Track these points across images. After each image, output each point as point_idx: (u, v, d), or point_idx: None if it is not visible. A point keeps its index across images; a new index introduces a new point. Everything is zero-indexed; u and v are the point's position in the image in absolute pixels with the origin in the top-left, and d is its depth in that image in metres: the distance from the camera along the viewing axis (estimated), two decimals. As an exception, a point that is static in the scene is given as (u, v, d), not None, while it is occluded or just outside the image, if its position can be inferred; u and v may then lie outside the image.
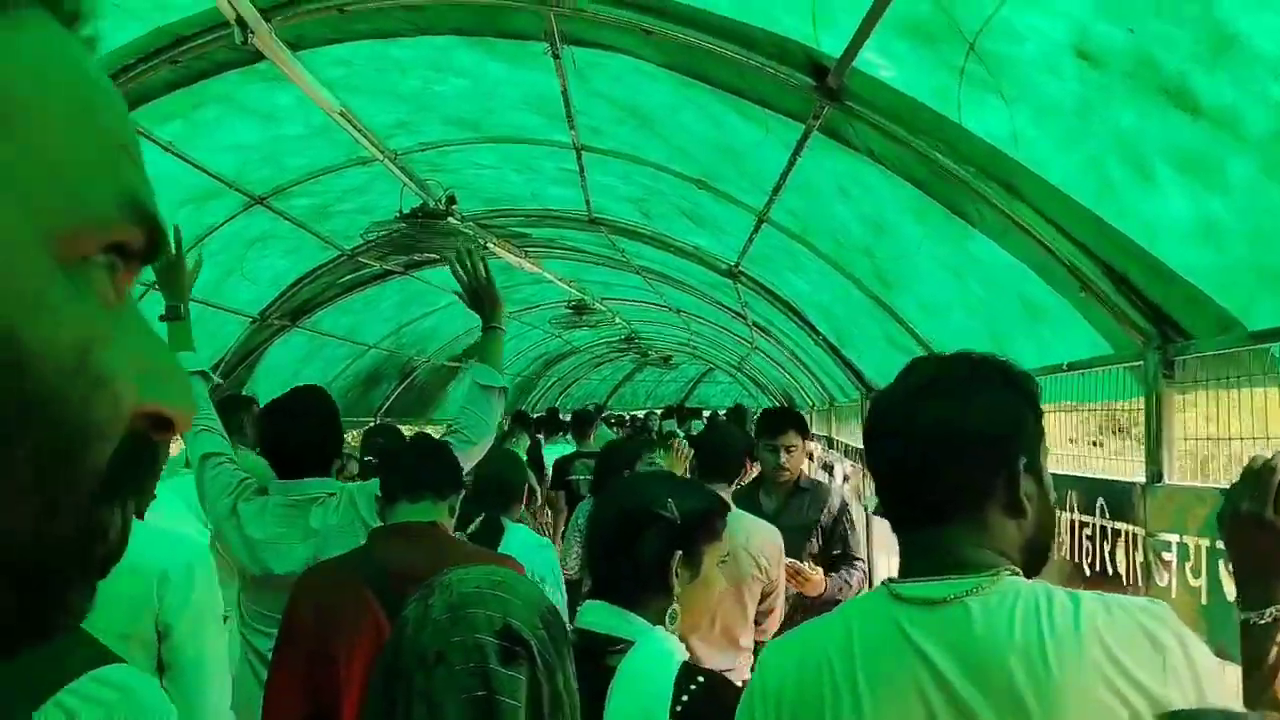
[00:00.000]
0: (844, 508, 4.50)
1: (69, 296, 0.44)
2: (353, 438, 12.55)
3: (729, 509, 2.23)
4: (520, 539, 4.02)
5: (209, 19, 3.91)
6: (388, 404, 11.96)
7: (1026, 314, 3.51)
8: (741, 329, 10.81)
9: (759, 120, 3.66)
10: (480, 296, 3.64)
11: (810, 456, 10.16)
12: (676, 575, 1.97)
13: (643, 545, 1.98)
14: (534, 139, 5.27)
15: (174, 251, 3.80)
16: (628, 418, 21.18)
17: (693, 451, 4.77)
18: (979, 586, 1.44)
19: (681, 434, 16.71)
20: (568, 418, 13.28)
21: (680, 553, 1.98)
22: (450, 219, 6.24)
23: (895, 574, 1.57)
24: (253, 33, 3.75)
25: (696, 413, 19.06)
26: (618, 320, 13.84)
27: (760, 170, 4.19)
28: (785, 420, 4.64)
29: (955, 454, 1.51)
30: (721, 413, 19.83)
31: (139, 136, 0.54)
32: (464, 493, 3.01)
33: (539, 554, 3.93)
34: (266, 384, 8.90)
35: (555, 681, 1.32)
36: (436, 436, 3.44)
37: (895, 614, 1.48)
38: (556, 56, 3.78)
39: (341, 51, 4.29)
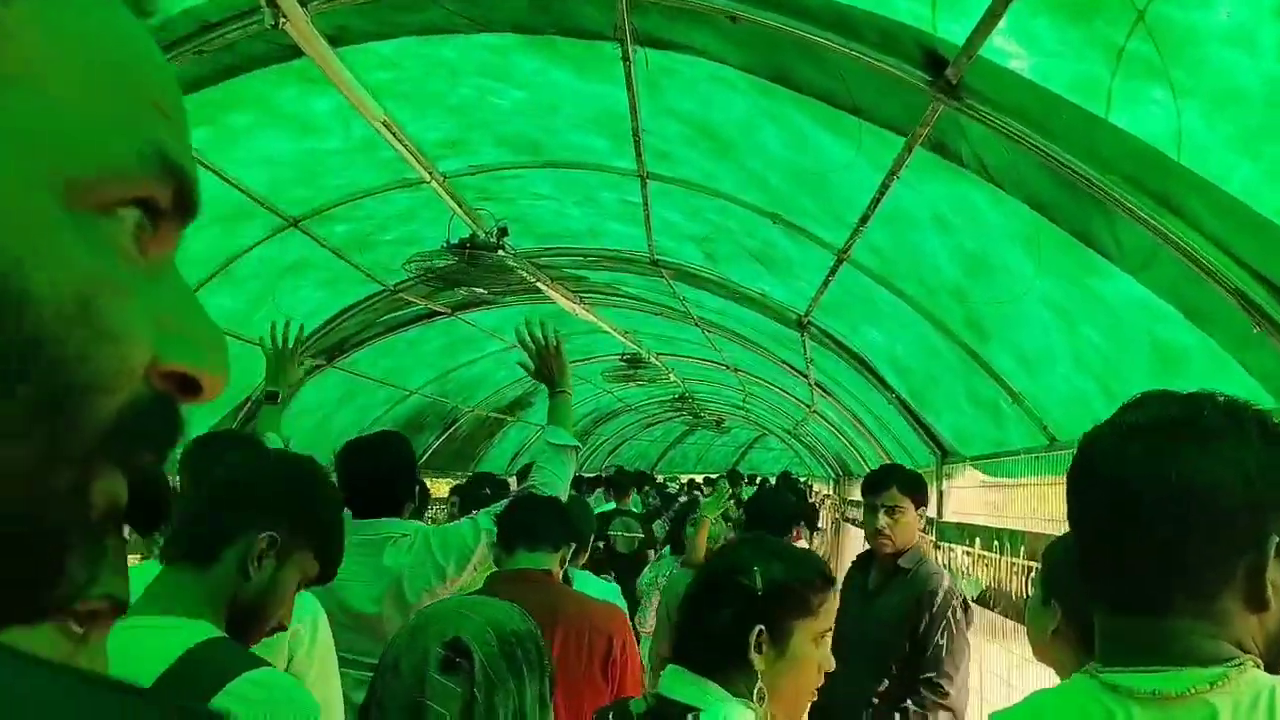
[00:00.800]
0: (945, 603, 3.46)
1: (79, 244, 0.43)
2: None
3: (830, 583, 1.92)
4: (588, 586, 4.11)
5: (238, 2, 3.53)
6: (429, 454, 11.52)
7: (1157, 362, 2.94)
8: (801, 389, 10.24)
9: (850, 135, 3.17)
10: (549, 366, 3.67)
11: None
12: (759, 650, 1.81)
13: (719, 613, 1.85)
14: (597, 164, 4.83)
15: (287, 345, 4.37)
16: (669, 485, 20.54)
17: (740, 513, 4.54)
18: (1224, 679, 1.18)
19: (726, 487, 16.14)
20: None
21: (760, 627, 1.81)
22: (501, 252, 5.81)
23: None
24: (285, 18, 3.35)
25: (748, 479, 18.38)
26: (672, 377, 13.33)
27: (845, 198, 3.70)
28: (890, 475, 3.92)
29: (1194, 525, 1.18)
30: (771, 479, 19.18)
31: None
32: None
33: (609, 599, 3.91)
34: (297, 425, 8.50)
35: (494, 697, 1.33)
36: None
37: (1113, 709, 1.23)
38: (627, 58, 3.33)
39: (387, 50, 3.89)
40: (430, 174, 5.07)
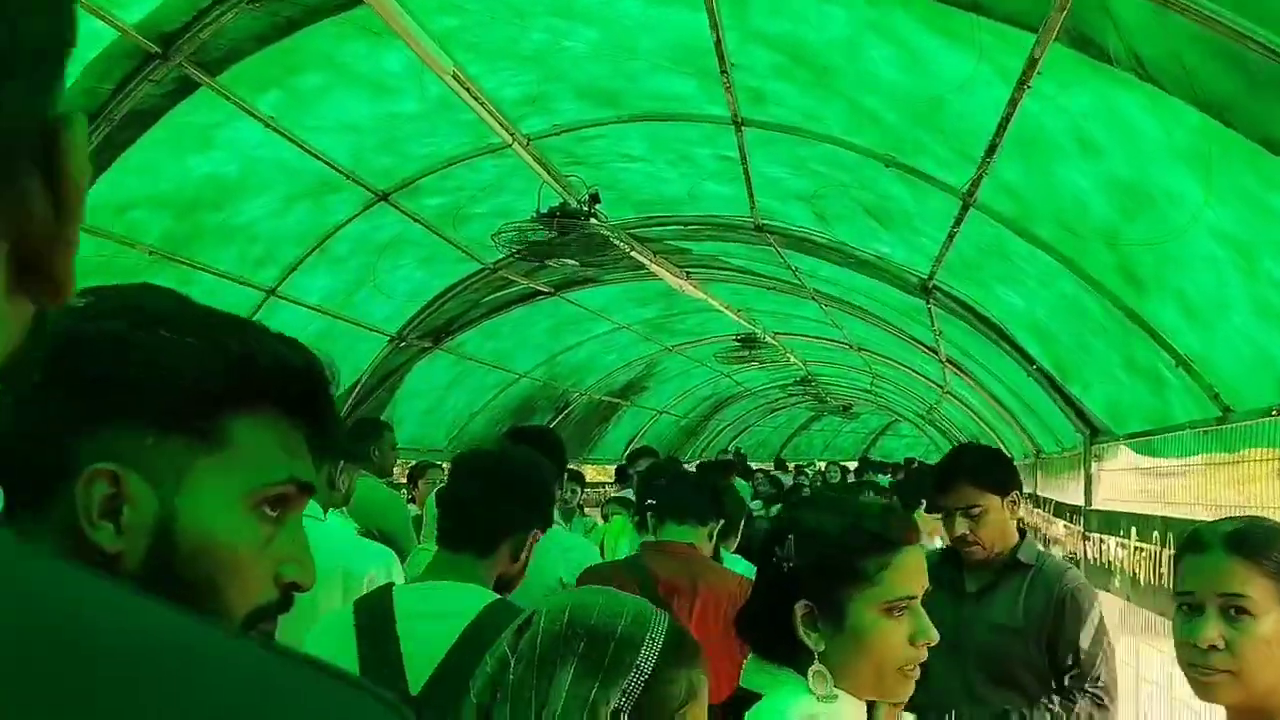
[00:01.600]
0: (1076, 597, 2.89)
1: (253, 525, 0.90)
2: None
3: (891, 544, 1.60)
4: (736, 566, 3.94)
5: (284, -60, 3.24)
6: (542, 439, 11.29)
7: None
8: (933, 368, 9.60)
9: (967, 39, 2.67)
10: None
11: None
12: (811, 628, 1.58)
13: (760, 591, 1.69)
14: (686, 113, 4.41)
15: None
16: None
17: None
18: None
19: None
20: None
21: (805, 602, 1.58)
22: (594, 221, 5.44)
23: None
24: (332, -48, 3.04)
25: (880, 466, 17.61)
26: (791, 359, 12.78)
27: (968, 126, 3.19)
28: (956, 468, 3.09)
29: None
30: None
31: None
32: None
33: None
34: (408, 408, 8.34)
35: (528, 673, 1.28)
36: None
37: None
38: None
39: (448, -12, 3.55)
40: (513, 136, 4.72)
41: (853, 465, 19.77)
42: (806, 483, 14.83)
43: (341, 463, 3.96)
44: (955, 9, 2.52)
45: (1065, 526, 5.78)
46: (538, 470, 2.31)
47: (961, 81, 2.90)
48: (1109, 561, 4.72)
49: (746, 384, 16.02)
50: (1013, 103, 2.77)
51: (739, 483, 13.51)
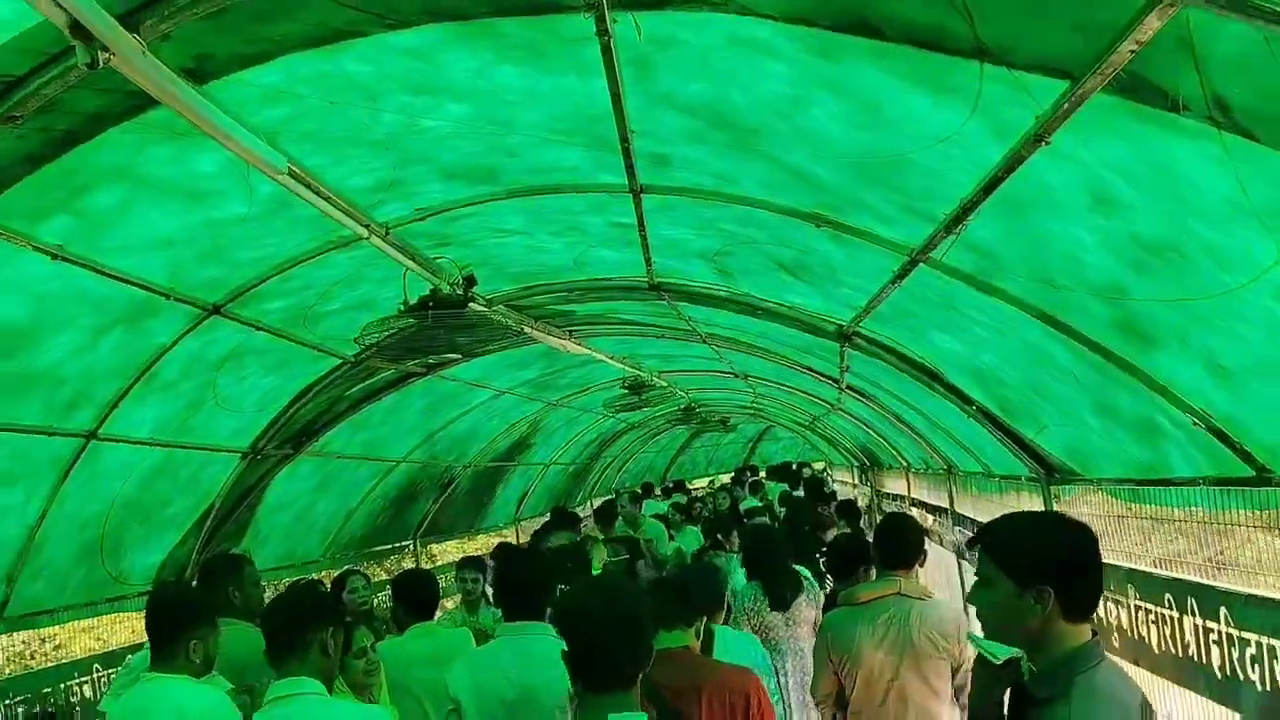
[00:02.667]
0: None
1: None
2: (385, 570, 10.94)
3: None
4: (728, 639, 4.18)
5: (37, 41, 2.44)
6: (427, 521, 10.42)
7: None
8: (826, 391, 9.17)
9: (962, 92, 2.10)
10: None
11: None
12: None
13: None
14: (574, 185, 3.76)
15: None
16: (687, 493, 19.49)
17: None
18: None
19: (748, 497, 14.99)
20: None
21: None
22: (473, 305, 4.72)
23: None
24: (109, 52, 2.26)
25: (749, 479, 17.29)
26: (677, 393, 12.24)
27: (931, 184, 2.63)
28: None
29: None
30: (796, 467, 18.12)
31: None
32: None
33: (749, 648, 4.19)
34: (273, 522, 7.41)
35: None
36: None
37: None
38: (605, 31, 2.26)
39: (272, 76, 2.80)
40: (368, 228, 3.98)
41: (733, 477, 19.51)
42: (704, 509, 14.37)
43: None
44: (956, 57, 1.94)
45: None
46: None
47: (937, 138, 2.33)
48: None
49: (630, 419, 15.42)
50: (1015, 158, 2.20)
51: (650, 504, 12.86)
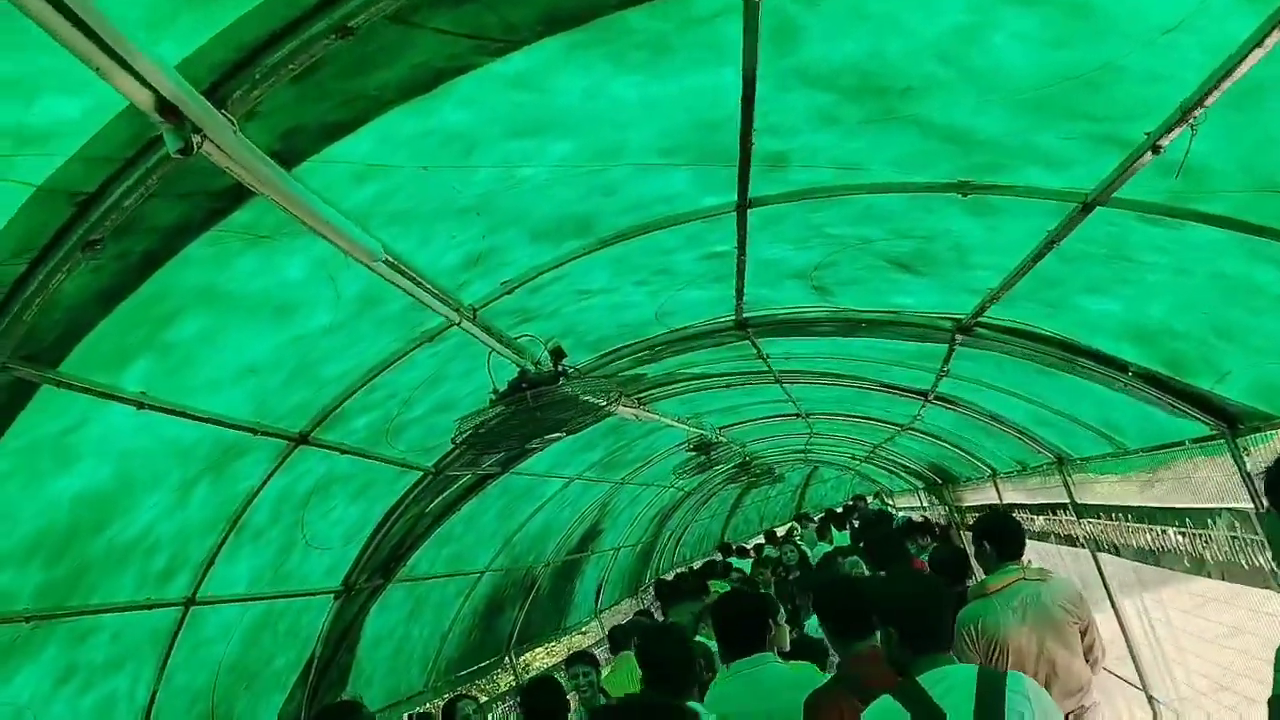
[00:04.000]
0: None
1: None
2: (482, 689, 10.49)
3: None
4: None
5: (112, 143, 2.16)
6: (517, 630, 9.98)
7: None
8: (903, 409, 8.81)
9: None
10: None
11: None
12: None
13: None
14: (672, 216, 3.47)
15: None
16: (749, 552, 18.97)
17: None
18: None
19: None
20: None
21: None
22: (563, 381, 4.41)
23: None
24: (199, 133, 1.97)
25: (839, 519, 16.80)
26: (734, 447, 11.85)
27: (1149, 90, 2.31)
28: None
29: None
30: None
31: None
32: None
33: None
34: (374, 659, 7.01)
35: None
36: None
37: None
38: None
39: (365, 143, 2.53)
40: (457, 311, 3.69)
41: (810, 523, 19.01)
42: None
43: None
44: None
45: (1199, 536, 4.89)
46: None
47: (1163, 28, 2.04)
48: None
49: (686, 486, 15.01)
50: (1273, 24, 1.91)
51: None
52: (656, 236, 3.60)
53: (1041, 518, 8.33)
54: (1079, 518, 7.19)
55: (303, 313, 3.33)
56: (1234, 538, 4.34)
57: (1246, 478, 4.00)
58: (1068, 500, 7.30)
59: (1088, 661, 4.57)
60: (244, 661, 5.18)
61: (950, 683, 2.84)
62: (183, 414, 3.47)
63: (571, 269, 3.82)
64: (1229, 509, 4.37)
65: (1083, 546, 7.32)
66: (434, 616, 7.80)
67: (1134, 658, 7.18)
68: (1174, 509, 5.03)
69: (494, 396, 4.35)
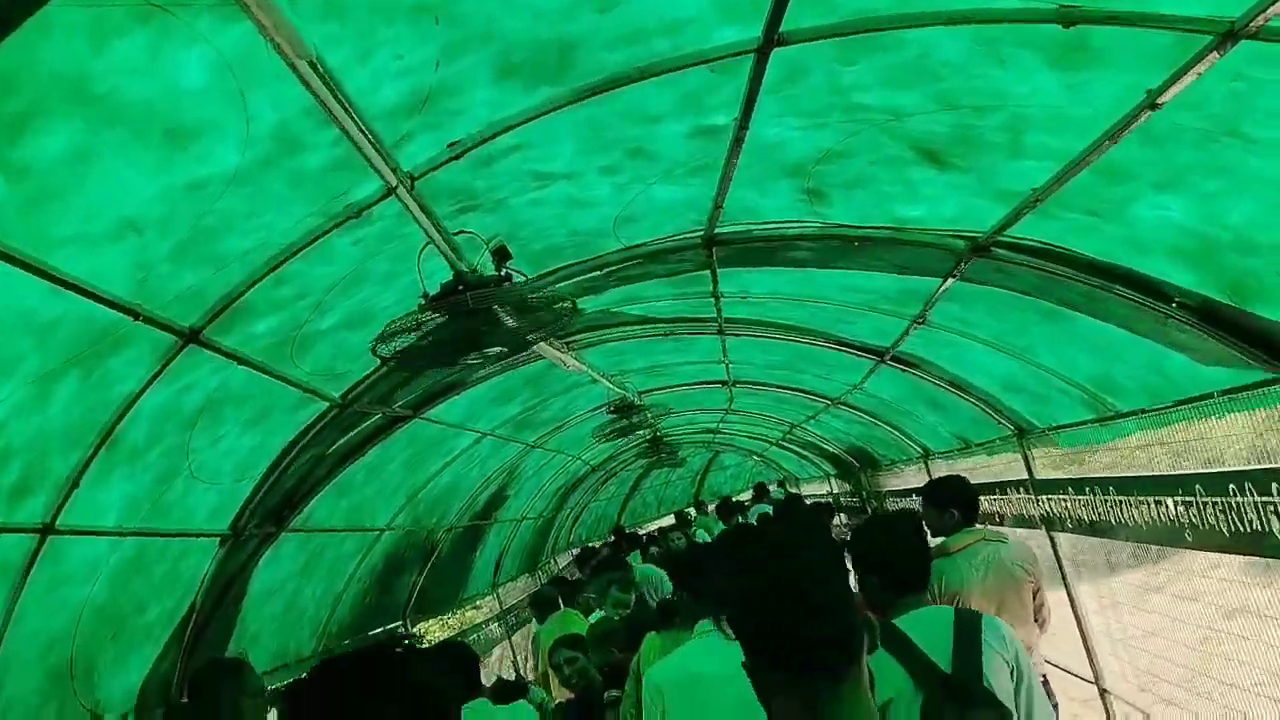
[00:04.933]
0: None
1: None
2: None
3: None
4: None
5: None
6: (414, 598, 9.22)
7: None
8: (839, 379, 8.34)
9: None
10: None
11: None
12: None
13: None
14: (673, 59, 2.84)
15: None
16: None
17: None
18: None
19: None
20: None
21: None
22: (509, 284, 3.74)
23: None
24: None
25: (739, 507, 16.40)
26: (650, 419, 11.19)
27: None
28: None
29: None
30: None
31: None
32: None
33: None
34: (262, 616, 6.21)
35: None
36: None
37: None
38: None
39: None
40: (394, 174, 2.99)
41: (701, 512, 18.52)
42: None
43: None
44: None
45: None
46: None
47: None
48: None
49: (592, 460, 14.39)
50: None
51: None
52: (644, 90, 2.96)
53: (986, 498, 7.94)
54: (1037, 495, 6.80)
55: (202, 144, 2.60)
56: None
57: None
58: (1026, 477, 6.90)
59: (1036, 622, 4.75)
60: (112, 607, 4.36)
61: (928, 624, 2.88)
62: (41, 272, 2.70)
63: (534, 133, 3.15)
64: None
65: (1038, 527, 6.93)
66: (329, 574, 7.02)
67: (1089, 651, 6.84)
68: (1190, 475, 4.59)
69: (424, 301, 3.66)
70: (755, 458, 22.79)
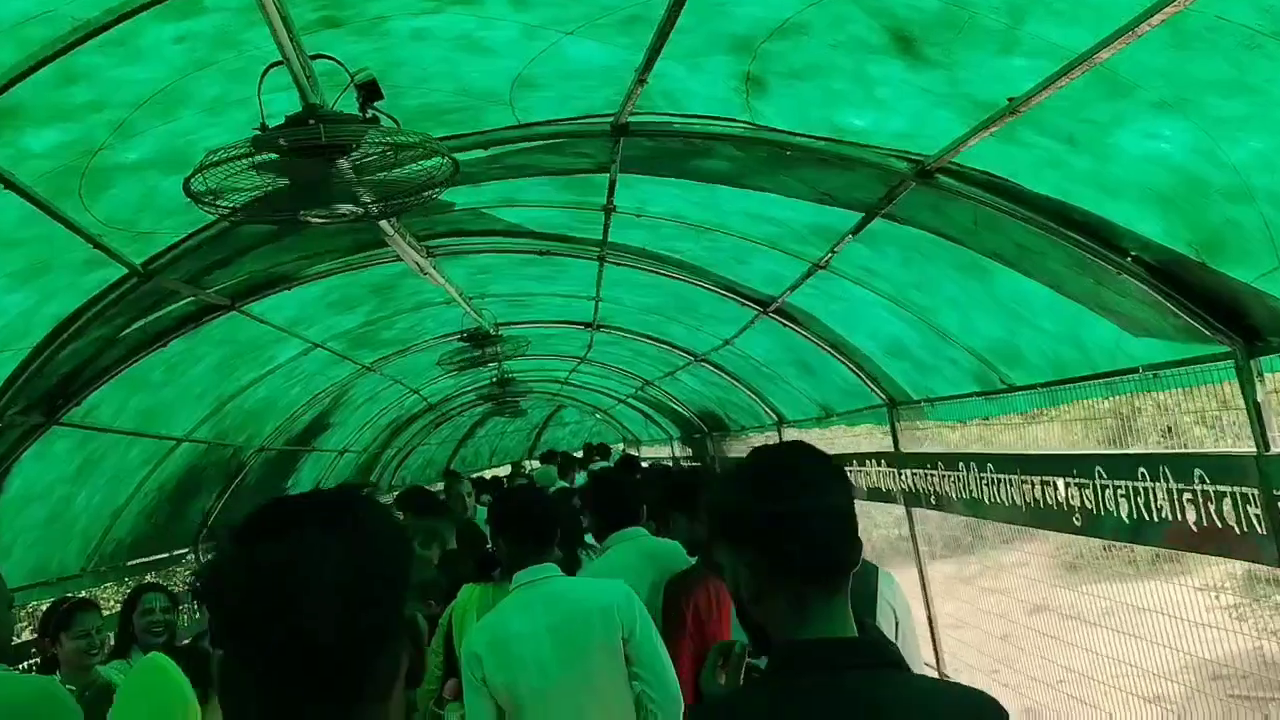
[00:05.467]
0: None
1: None
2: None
3: None
4: None
5: None
6: (210, 524, 8.22)
7: None
8: (711, 332, 7.80)
9: None
10: None
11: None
12: None
13: None
14: None
15: None
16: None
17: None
18: None
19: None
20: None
21: None
22: (374, 124, 2.95)
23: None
24: None
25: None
26: (500, 356, 10.40)
27: None
28: None
29: None
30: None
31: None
32: None
33: None
34: (20, 523, 5.18)
35: None
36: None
37: None
38: None
39: None
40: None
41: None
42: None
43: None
44: None
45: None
46: None
47: None
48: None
49: (430, 396, 13.50)
50: None
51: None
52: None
53: (848, 469, 7.55)
54: (899, 469, 6.41)
55: None
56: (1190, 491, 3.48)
57: (1255, 411, 3.13)
58: (892, 449, 6.51)
59: None
60: None
61: None
62: None
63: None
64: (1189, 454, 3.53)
65: (898, 501, 6.57)
66: (110, 484, 6.02)
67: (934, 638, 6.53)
68: (1091, 455, 4.19)
69: (259, 131, 2.83)
70: (599, 415, 22.26)
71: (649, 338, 9.34)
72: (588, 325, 9.20)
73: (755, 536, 1.52)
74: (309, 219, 3.05)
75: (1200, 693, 6.27)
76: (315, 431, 9.88)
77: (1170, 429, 4.48)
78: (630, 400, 16.06)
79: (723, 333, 7.66)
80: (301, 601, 1.06)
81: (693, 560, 3.97)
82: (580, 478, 13.83)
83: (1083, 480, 4.17)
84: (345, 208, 3.04)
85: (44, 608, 5.94)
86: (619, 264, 6.14)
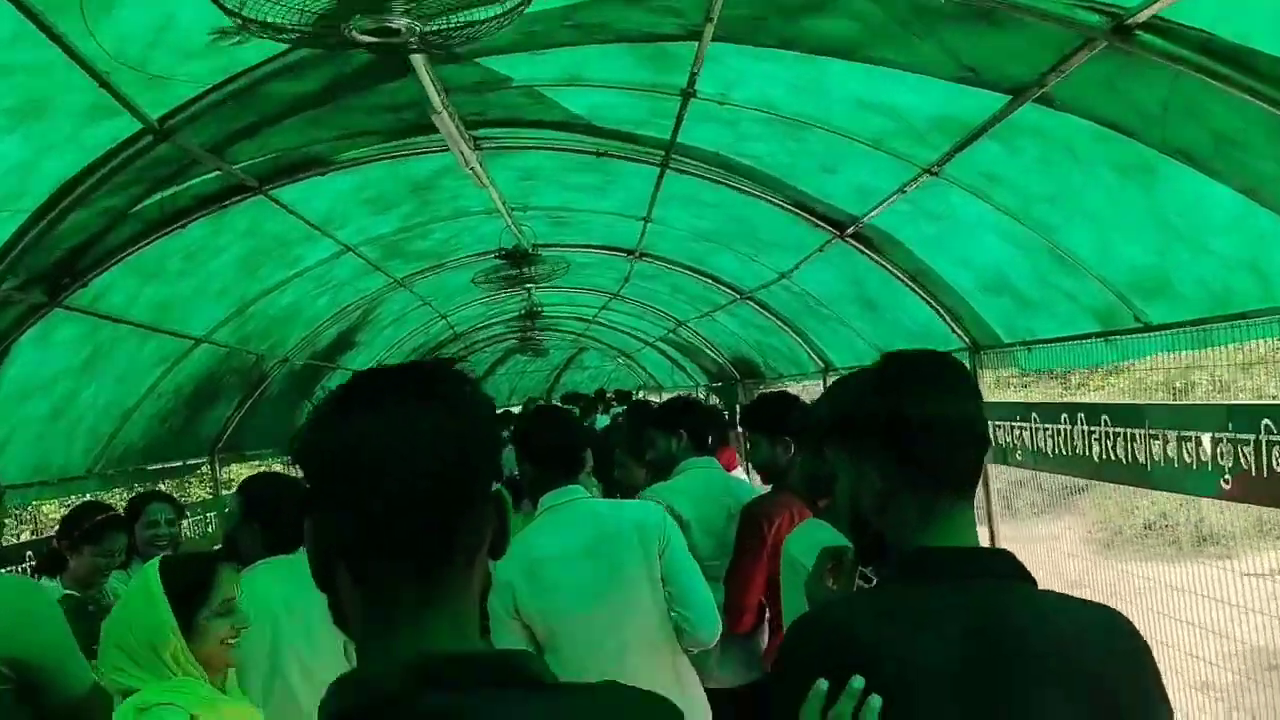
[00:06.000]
0: None
1: None
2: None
3: None
4: None
5: None
6: (227, 435, 7.74)
7: None
8: (774, 258, 7.20)
9: None
10: None
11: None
12: None
13: None
14: None
15: None
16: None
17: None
18: None
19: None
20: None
21: None
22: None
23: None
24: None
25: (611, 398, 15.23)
26: (536, 280, 9.82)
27: None
28: None
29: None
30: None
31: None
32: None
33: None
34: (17, 415, 4.68)
35: None
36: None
37: None
38: None
39: None
40: None
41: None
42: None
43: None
44: None
45: None
46: None
47: None
48: None
49: (458, 325, 12.99)
50: None
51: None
52: None
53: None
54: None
55: None
56: None
57: None
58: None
59: None
60: None
61: None
62: None
63: None
64: None
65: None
66: (120, 381, 5.53)
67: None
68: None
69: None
70: (621, 359, 21.75)
71: (694, 270, 8.75)
72: (630, 253, 8.62)
73: (888, 440, 1.51)
74: (356, 36, 2.48)
75: (1254, 681, 5.80)
76: (341, 348, 9.39)
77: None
78: (659, 344, 15.48)
79: (780, 263, 7.07)
80: (397, 468, 1.06)
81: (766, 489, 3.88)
82: (601, 420, 13.35)
83: (1241, 436, 3.55)
84: (401, 22, 2.46)
85: (44, 508, 5.45)
86: (683, 171, 5.54)
